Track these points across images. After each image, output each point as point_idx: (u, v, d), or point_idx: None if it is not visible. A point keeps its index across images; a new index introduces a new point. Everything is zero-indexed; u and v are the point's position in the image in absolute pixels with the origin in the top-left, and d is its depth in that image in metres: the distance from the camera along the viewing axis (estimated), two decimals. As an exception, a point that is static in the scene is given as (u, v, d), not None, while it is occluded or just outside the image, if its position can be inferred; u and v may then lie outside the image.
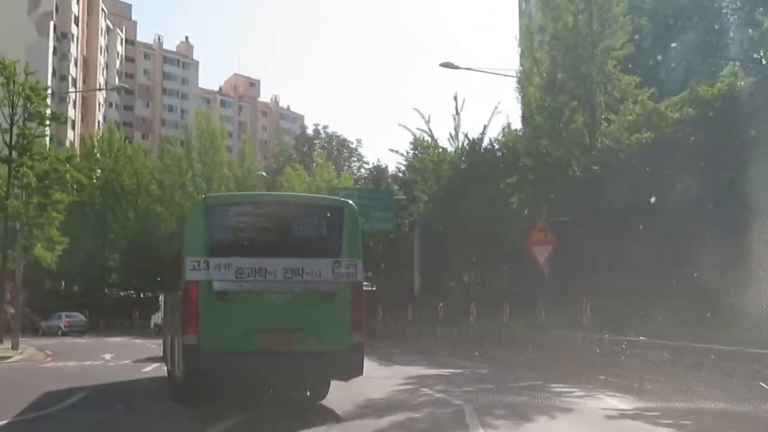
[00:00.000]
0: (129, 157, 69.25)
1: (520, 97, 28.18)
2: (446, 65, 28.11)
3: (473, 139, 34.79)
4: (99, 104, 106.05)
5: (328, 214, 12.37)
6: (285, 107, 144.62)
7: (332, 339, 11.57)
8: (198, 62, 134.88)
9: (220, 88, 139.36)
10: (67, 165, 34.96)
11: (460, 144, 35.92)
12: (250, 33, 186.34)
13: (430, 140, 36.27)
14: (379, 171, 51.40)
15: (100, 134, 73.59)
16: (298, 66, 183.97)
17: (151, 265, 61.65)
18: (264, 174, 57.74)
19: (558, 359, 19.68)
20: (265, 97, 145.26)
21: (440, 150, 36.17)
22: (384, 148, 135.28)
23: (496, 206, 29.29)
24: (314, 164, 51.35)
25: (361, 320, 11.84)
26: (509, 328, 25.20)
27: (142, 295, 67.68)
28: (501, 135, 30.74)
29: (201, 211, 11.75)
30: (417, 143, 36.49)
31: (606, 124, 24.84)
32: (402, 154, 38.55)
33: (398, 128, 68.18)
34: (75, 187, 48.90)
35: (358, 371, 11.83)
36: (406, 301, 38.32)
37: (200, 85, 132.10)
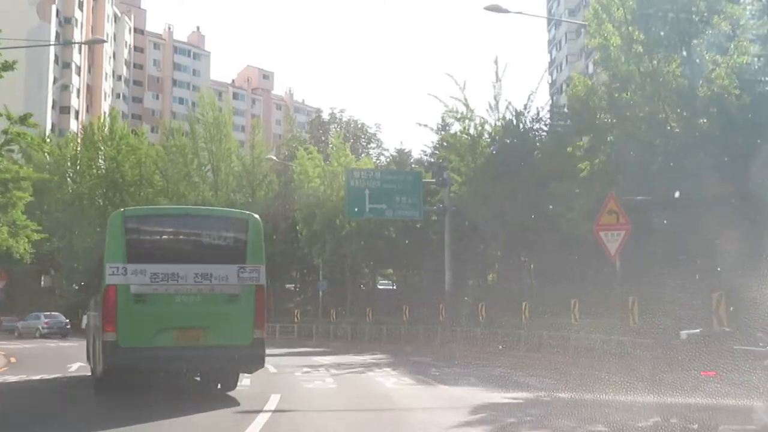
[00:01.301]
0: (131, 146, 64.37)
1: (589, 43, 22.67)
2: (492, 8, 22.73)
3: (517, 110, 29.45)
4: (105, 94, 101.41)
5: (235, 226, 13.94)
6: (300, 101, 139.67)
7: (237, 336, 12.89)
8: (210, 53, 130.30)
9: (233, 81, 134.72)
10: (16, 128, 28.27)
11: (501, 115, 30.61)
12: (264, 23, 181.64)
13: (465, 110, 30.87)
14: (402, 155, 46.20)
15: (101, 121, 68.59)
16: (314, 57, 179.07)
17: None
18: (274, 158, 52.60)
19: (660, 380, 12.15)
20: (279, 89, 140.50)
21: (479, 121, 30.79)
22: (405, 136, 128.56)
23: (549, 185, 23.85)
24: (330, 146, 46.06)
25: (262, 319, 13.34)
26: (578, 332, 19.86)
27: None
28: (569, 86, 24.80)
29: (120, 222, 12.98)
30: (450, 114, 31.10)
31: (711, 68, 19.34)
32: (432, 128, 33.13)
33: (420, 116, 62.67)
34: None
35: (259, 364, 13.64)
36: (435, 300, 33.08)
37: (212, 77, 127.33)
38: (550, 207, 28.03)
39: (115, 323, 12.26)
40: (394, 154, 46.07)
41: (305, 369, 19.55)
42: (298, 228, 43.66)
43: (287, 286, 63.12)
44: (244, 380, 16.01)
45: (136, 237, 12.86)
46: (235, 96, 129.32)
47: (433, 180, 36.07)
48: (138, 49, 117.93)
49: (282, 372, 18.92)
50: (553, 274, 30.46)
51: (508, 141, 29.38)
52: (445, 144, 33.30)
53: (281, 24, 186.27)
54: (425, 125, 32.48)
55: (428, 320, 33.42)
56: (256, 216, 14.08)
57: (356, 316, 40.14)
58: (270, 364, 20.98)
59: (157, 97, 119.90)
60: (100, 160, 64.45)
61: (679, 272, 19.87)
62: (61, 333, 45.28)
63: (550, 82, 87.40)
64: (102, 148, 64.64)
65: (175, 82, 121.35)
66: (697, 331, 11.51)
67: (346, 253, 41.01)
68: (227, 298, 12.90)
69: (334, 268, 45.05)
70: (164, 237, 13.59)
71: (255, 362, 13.42)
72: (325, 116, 58.10)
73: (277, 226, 47.41)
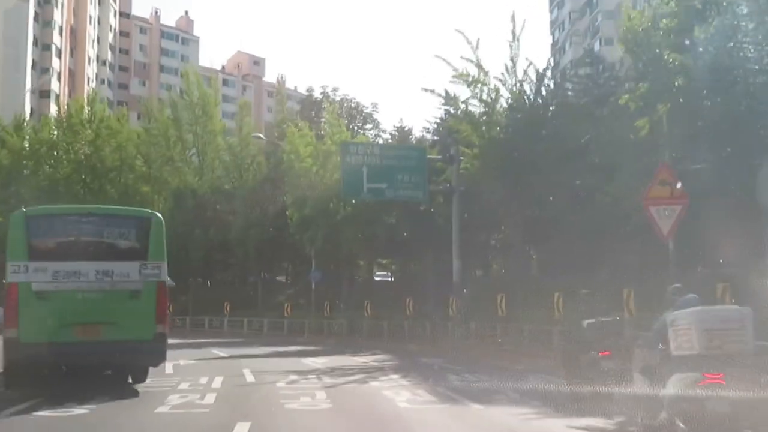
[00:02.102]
0: (112, 130, 60.17)
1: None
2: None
3: (540, 70, 25.46)
4: (88, 79, 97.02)
5: (137, 224, 14.14)
6: (292, 88, 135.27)
7: (138, 331, 13.11)
8: (198, 38, 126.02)
9: (223, 67, 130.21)
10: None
11: (520, 79, 26.64)
12: (255, 7, 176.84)
13: (478, 72, 26.85)
14: (402, 134, 42.20)
15: (79, 103, 64.37)
16: (306, 42, 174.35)
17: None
18: (261, 136, 48.57)
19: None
20: (270, 76, 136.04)
21: (493, 86, 26.78)
22: (405, 114, 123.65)
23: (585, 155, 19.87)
24: (323, 121, 42.03)
25: (164, 314, 13.83)
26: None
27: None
28: (622, 22, 20.45)
29: (22, 222, 13.40)
30: (461, 78, 27.07)
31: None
32: (439, 94, 29.06)
33: (420, 94, 58.02)
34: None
35: (161, 358, 13.91)
36: (440, 292, 29.17)
37: (201, 63, 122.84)
38: (577, 182, 24.07)
39: (17, 320, 12.62)
40: (393, 132, 42.12)
41: (291, 377, 15.61)
42: (288, 213, 39.67)
43: (278, 278, 59.24)
44: (208, 396, 12.18)
45: (37, 236, 13.24)
46: (225, 83, 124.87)
47: (439, 157, 32.18)
48: (123, 33, 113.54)
49: (261, 381, 15.02)
50: (587, 261, 26.32)
51: (528, 105, 25.37)
52: (454, 112, 29.26)
53: (272, 8, 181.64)
54: (431, 90, 27.66)
55: (434, 315, 29.50)
56: (159, 215, 14.48)
57: (352, 311, 36.23)
58: (249, 369, 17.12)
59: (144, 84, 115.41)
60: (78, 145, 60.14)
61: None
62: None
63: (552, 65, 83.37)
64: (81, 131, 60.33)
65: (162, 68, 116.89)
66: (593, 320, 12.97)
67: (341, 240, 37.04)
68: (129, 295, 13.29)
69: (328, 258, 41.07)
70: (66, 235, 13.67)
71: (157, 356, 13.71)
72: (317, 95, 54.00)
73: (265, 212, 43.44)
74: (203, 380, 14.79)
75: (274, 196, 43.31)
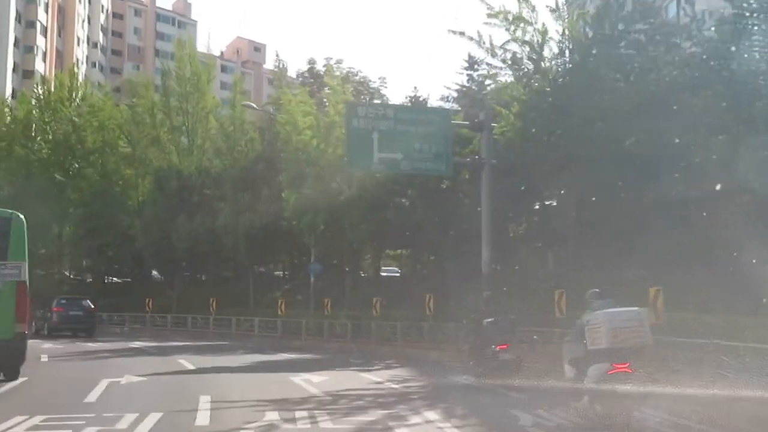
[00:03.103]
0: (93, 107, 54.68)
1: None
2: None
3: None
4: (78, 61, 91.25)
5: None
6: (294, 76, 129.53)
7: None
8: (196, 22, 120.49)
9: (222, 53, 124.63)
10: None
11: (574, 18, 20.96)
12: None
13: (520, 6, 21.20)
14: (416, 104, 36.51)
15: (57, 79, 58.90)
16: (309, 27, 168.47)
17: (116, 240, 47.39)
18: (253, 105, 43.14)
19: None
20: (271, 63, 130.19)
21: (543, 24, 21.12)
22: (419, 84, 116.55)
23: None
24: (326, 89, 36.29)
25: (24, 314, 14.07)
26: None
27: (105, 280, 53.15)
28: None
29: None
30: (498, 17, 21.40)
31: None
32: (471, 38, 23.23)
33: (434, 68, 51.12)
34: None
35: (22, 357, 14.21)
36: (467, 287, 23.57)
37: (198, 49, 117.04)
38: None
39: None
40: (406, 103, 36.37)
41: (269, 416, 9.90)
42: (283, 196, 34.08)
43: (276, 273, 53.65)
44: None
45: None
46: (224, 69, 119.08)
47: (466, 123, 26.57)
48: (117, 15, 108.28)
49: (223, 422, 9.39)
50: (617, 254, 20.79)
51: (589, 47, 19.75)
52: (486, 67, 23.63)
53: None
54: (461, 33, 21.75)
55: (458, 314, 23.85)
56: (20, 215, 14.45)
57: (357, 309, 30.70)
58: (209, 398, 11.26)
59: (138, 69, 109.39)
60: (57, 125, 54.59)
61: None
62: None
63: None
64: (60, 110, 54.79)
65: (157, 53, 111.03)
66: (492, 319, 15.31)
67: (344, 226, 31.45)
68: None
69: (330, 248, 35.51)
70: None
71: (17, 356, 13.85)
72: (319, 67, 48.34)
73: (258, 195, 37.81)
74: (124, 423, 9.16)
75: (269, 178, 37.70)
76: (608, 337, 9.33)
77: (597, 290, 10.88)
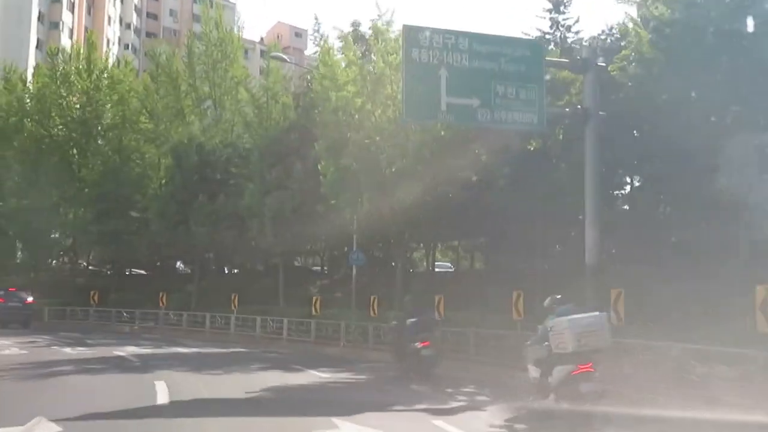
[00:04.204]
0: (113, 80, 48.87)
1: None
2: None
3: None
4: (108, 41, 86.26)
5: None
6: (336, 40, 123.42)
7: None
8: (235, 5, 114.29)
9: (262, 39, 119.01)
10: None
11: None
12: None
13: None
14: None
15: (74, 49, 53.26)
16: (352, 12, 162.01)
17: (131, 226, 41.46)
18: (285, 58, 36.64)
19: None
20: (313, 49, 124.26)
21: None
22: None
23: None
24: (370, 34, 29.55)
25: None
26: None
27: (108, 272, 47.36)
28: None
29: None
30: None
31: None
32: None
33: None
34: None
35: None
36: (558, 282, 16.95)
37: (240, 35, 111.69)
38: None
39: None
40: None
41: None
42: (320, 167, 27.71)
43: (314, 268, 47.41)
44: None
45: None
46: (264, 55, 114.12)
47: (565, 60, 19.92)
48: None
49: None
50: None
51: None
52: None
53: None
54: None
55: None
56: None
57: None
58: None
59: (174, 53, 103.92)
60: (72, 98, 48.85)
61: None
62: None
63: None
64: (77, 82, 49.02)
65: (194, 36, 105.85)
66: (415, 318, 16.60)
67: (394, 204, 24.98)
68: None
69: (376, 235, 29.08)
70: None
71: None
72: (366, 30, 41.62)
73: (289, 170, 31.48)
74: None
75: (303, 151, 31.35)
76: (573, 341, 9.99)
77: (558, 296, 11.55)
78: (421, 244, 33.11)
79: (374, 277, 32.98)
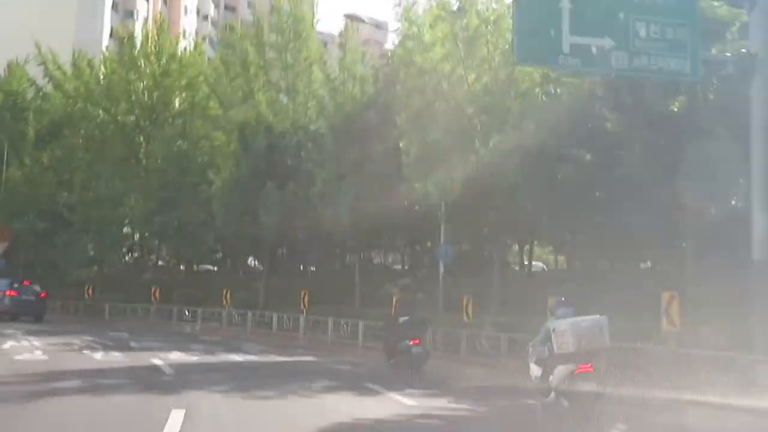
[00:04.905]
0: (182, 64, 46.04)
1: None
2: None
3: None
4: (184, 32, 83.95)
5: None
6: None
7: None
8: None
9: (341, 32, 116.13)
10: None
11: None
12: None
13: None
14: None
15: (143, 33, 50.73)
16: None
17: (195, 217, 38.20)
18: (361, 17, 32.76)
19: None
20: (393, 43, 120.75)
21: None
22: None
23: None
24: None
25: None
26: None
27: (178, 267, 44.33)
28: None
29: None
30: None
31: None
32: None
33: None
34: None
35: None
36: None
37: (318, 29, 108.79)
38: None
39: None
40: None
41: None
42: (401, 146, 23.69)
43: (395, 267, 43.47)
44: None
45: None
46: (342, 48, 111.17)
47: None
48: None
49: None
50: None
51: None
52: None
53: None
54: None
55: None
56: None
57: (510, 314, 20.04)
58: None
59: (245, 34, 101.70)
60: (139, 84, 46.21)
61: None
62: None
63: None
64: (147, 66, 46.35)
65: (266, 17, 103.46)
66: (407, 317, 17.22)
67: (491, 187, 20.77)
68: None
69: (467, 225, 24.87)
70: None
71: None
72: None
73: (368, 151, 27.57)
74: None
75: (383, 130, 27.40)
76: (574, 342, 10.35)
77: (562, 298, 11.95)
78: (515, 239, 28.68)
79: (462, 275, 28.80)
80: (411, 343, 16.46)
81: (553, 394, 10.69)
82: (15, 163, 44.31)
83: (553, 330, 10.75)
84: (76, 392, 11.36)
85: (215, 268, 46.63)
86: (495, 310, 21.66)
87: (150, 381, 13.17)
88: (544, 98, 21.59)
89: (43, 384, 12.18)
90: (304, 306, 27.62)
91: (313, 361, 19.48)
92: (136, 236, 45.48)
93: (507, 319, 20.19)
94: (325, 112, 33.99)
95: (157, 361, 15.94)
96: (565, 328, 10.52)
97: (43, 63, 48.16)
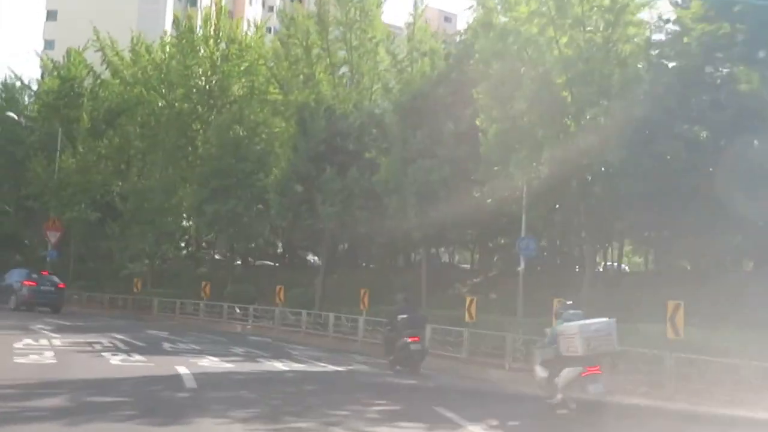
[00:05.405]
0: (241, 47, 43.71)
1: None
2: None
3: None
4: (248, 23, 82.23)
5: None
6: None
7: None
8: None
9: (408, 24, 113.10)
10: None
11: None
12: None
13: None
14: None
15: (203, 16, 48.46)
16: None
17: (251, 208, 35.61)
18: None
19: None
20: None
21: None
22: None
23: None
24: None
25: None
26: None
27: (239, 261, 41.87)
28: None
29: None
30: None
31: None
32: None
33: None
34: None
35: None
36: None
37: (383, 20, 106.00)
38: None
39: None
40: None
41: None
42: (478, 123, 20.49)
43: (462, 265, 40.18)
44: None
45: None
46: (411, 41, 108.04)
47: None
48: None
49: None
50: None
51: None
52: None
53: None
54: None
55: None
56: None
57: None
58: None
59: (306, 14, 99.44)
60: (197, 69, 43.95)
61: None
62: None
63: None
64: (205, 50, 44.14)
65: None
66: (405, 315, 16.94)
67: (589, 167, 17.45)
68: None
69: (552, 215, 21.52)
70: None
71: None
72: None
73: (437, 132, 24.47)
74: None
75: (455, 108, 24.26)
76: (583, 345, 10.44)
77: (569, 302, 12.38)
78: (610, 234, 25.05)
79: (540, 274, 25.46)
80: (410, 340, 16.50)
81: (559, 396, 10.93)
82: (68, 150, 42.52)
83: (561, 333, 10.96)
84: (45, 418, 8.48)
85: (277, 264, 44.02)
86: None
87: (159, 400, 10.28)
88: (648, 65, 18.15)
89: (16, 401, 9.37)
90: (364, 306, 24.57)
91: (370, 373, 16.43)
92: (191, 229, 43.19)
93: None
94: (391, 95, 30.88)
95: (181, 370, 13.05)
96: (574, 331, 10.64)
97: (102, 49, 46.64)
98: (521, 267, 20.93)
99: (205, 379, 12.38)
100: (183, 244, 45.63)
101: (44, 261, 40.60)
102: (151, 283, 38.79)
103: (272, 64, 41.44)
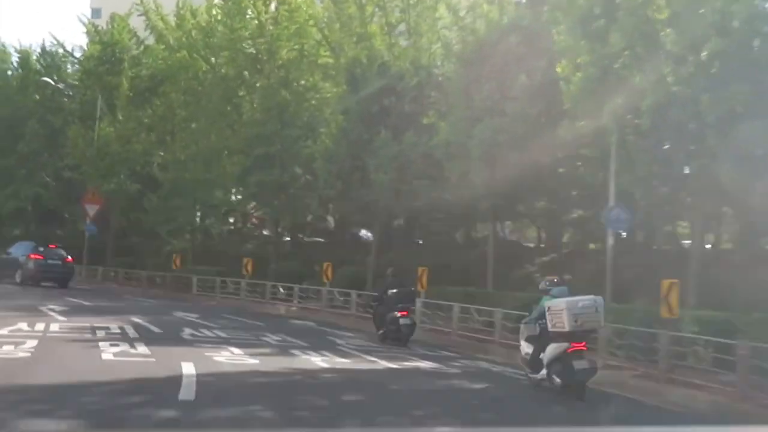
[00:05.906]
0: (290, 9, 40.51)
1: None
2: None
3: None
4: None
5: None
6: None
7: None
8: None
9: None
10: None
11: None
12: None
13: None
14: None
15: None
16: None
17: (298, 179, 32.68)
18: None
19: None
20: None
21: None
22: None
23: None
24: None
25: None
26: None
27: (288, 237, 39.07)
28: None
29: None
30: None
31: None
32: None
33: None
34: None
35: None
36: None
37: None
38: None
39: None
40: None
41: None
42: (558, 70, 17.04)
43: (527, 244, 36.62)
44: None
45: None
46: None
47: None
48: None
49: None
50: None
51: None
52: None
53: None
54: None
55: None
56: None
57: (713, 309, 13.24)
58: None
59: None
60: (245, 31, 40.98)
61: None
62: None
63: None
64: (249, 12, 41.13)
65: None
66: (396, 290, 17.62)
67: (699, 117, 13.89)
68: None
69: (647, 182, 17.92)
70: None
71: None
72: None
73: (507, 89, 21.03)
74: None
75: (528, 59, 20.79)
76: (569, 321, 10.49)
77: (555, 278, 12.33)
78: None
79: (621, 253, 21.94)
80: (399, 314, 16.91)
81: (544, 371, 11.00)
82: (107, 118, 40.19)
83: (548, 308, 10.95)
84: None
85: (327, 241, 41.11)
86: (696, 301, 14.83)
87: (133, 418, 7.26)
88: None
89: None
90: (422, 287, 21.39)
91: (431, 371, 13.23)
92: (237, 203, 40.50)
93: (712, 315, 13.57)
94: (451, 53, 27.40)
95: (186, 370, 10.04)
96: (562, 307, 10.67)
97: (145, 13, 44.21)
98: (609, 243, 17.51)
99: (211, 385, 9.35)
100: (232, 220, 43.27)
101: (83, 236, 38.55)
102: (192, 260, 36.29)
103: (323, 25, 38.32)
